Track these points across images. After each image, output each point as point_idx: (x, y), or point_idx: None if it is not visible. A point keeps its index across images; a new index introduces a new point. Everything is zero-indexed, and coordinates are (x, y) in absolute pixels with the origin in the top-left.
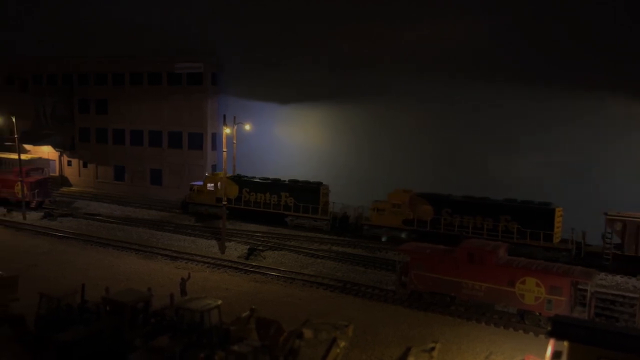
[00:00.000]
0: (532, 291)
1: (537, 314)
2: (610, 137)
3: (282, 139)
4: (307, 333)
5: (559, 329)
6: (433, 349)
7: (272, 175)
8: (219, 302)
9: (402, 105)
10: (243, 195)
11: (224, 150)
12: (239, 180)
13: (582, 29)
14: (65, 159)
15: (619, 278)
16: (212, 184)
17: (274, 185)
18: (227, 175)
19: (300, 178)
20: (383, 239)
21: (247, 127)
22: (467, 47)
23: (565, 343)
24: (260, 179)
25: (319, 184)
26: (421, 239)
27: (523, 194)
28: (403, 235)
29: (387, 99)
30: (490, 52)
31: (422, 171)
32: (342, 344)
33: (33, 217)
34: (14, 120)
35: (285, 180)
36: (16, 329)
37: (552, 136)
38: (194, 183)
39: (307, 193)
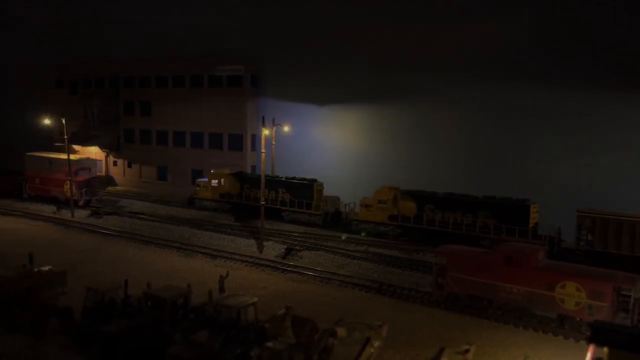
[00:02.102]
0: (572, 296)
1: (578, 319)
2: None
3: (320, 140)
4: (341, 332)
5: (598, 334)
6: (467, 351)
7: (310, 175)
8: (255, 299)
9: (439, 107)
10: (244, 191)
11: (263, 151)
12: (241, 176)
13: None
14: (111, 159)
15: None
16: (216, 180)
17: (272, 182)
18: (230, 172)
19: (337, 179)
20: (362, 235)
21: (286, 128)
22: (507, 48)
23: (605, 349)
24: (259, 175)
25: (314, 181)
26: (405, 234)
27: (561, 196)
28: (386, 230)
29: (425, 100)
30: (529, 53)
31: (459, 172)
32: (376, 343)
33: (80, 215)
34: (63, 121)
35: (282, 177)
36: (64, 321)
37: (593, 137)
38: (200, 179)
39: (302, 189)
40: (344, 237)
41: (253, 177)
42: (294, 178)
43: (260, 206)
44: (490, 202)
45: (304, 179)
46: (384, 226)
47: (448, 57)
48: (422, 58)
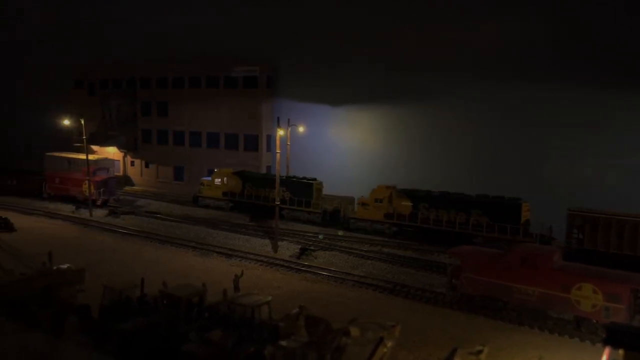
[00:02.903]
0: (588, 298)
1: (594, 321)
2: None
3: (335, 140)
4: (354, 331)
5: (614, 336)
6: (480, 351)
7: (324, 176)
8: (269, 298)
9: (453, 107)
10: (246, 189)
11: (278, 151)
12: (243, 175)
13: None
14: (128, 159)
15: None
16: (219, 179)
17: (273, 181)
18: (233, 171)
19: (352, 180)
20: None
21: (301, 129)
22: (521, 48)
23: (621, 351)
24: (261, 174)
25: (313, 179)
26: (400, 232)
27: (581, 197)
28: (382, 228)
29: (439, 100)
30: (542, 53)
31: (474, 173)
32: (389, 343)
33: (98, 214)
34: (82, 122)
35: (282, 176)
36: (82, 318)
37: (613, 138)
38: (204, 178)
39: (302, 188)
40: (340, 233)
41: (255, 176)
42: (294, 177)
43: (275, 206)
44: (483, 201)
45: (304, 178)
46: (380, 224)
47: (463, 58)
48: (437, 58)
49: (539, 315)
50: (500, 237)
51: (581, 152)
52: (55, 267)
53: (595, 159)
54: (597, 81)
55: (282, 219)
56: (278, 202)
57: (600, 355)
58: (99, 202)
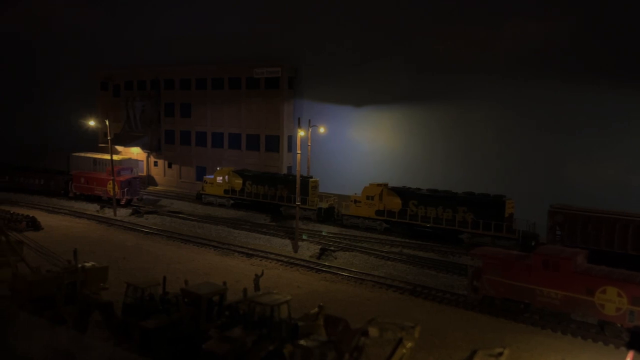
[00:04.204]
0: (613, 301)
1: (618, 325)
2: None
3: (356, 141)
4: (373, 331)
5: (637, 340)
6: (501, 354)
7: (343, 177)
8: (289, 297)
9: (476, 108)
10: (246, 187)
11: (298, 152)
12: (243, 174)
13: None
14: (152, 159)
15: None
16: (221, 177)
17: (271, 179)
18: (233, 169)
19: (373, 181)
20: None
21: (322, 129)
22: (545, 50)
23: None
24: (261, 173)
25: (309, 177)
26: (390, 229)
27: (602, 198)
28: (374, 225)
29: (461, 101)
30: (568, 55)
31: (497, 174)
32: (409, 344)
33: (122, 213)
34: (107, 123)
35: (280, 174)
36: (105, 314)
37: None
38: (206, 176)
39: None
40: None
41: (254, 174)
42: (291, 175)
43: (296, 206)
44: (469, 198)
45: (300, 176)
46: (371, 221)
47: (485, 58)
48: (459, 59)
49: (562, 318)
50: (484, 234)
51: (606, 154)
52: (80, 265)
53: (619, 161)
54: (624, 83)
55: (280, 215)
56: (299, 202)
57: (624, 359)
58: (122, 202)
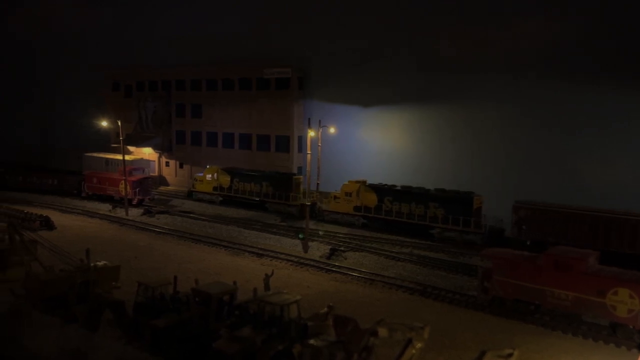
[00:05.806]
0: (625, 303)
1: (631, 327)
2: None
3: (366, 141)
4: (382, 331)
5: None
6: (510, 355)
7: (355, 176)
8: (299, 297)
9: (485, 108)
10: (234, 184)
11: (308, 152)
12: (231, 171)
13: None
14: (163, 159)
15: None
16: (210, 175)
17: (257, 176)
18: (222, 167)
19: (385, 181)
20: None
21: (332, 130)
22: (554, 51)
23: None
24: (247, 170)
25: (292, 174)
26: (367, 224)
27: (612, 197)
28: (352, 220)
29: (471, 101)
30: (577, 56)
31: (507, 175)
32: (418, 345)
33: (134, 213)
34: (119, 123)
35: (265, 171)
36: (117, 313)
37: None
38: (197, 174)
39: (282, 183)
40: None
41: (242, 172)
42: (276, 172)
43: (305, 206)
44: (440, 195)
45: (284, 173)
46: (350, 216)
47: (495, 58)
48: (469, 59)
49: (573, 319)
50: (453, 228)
51: (616, 153)
52: (92, 264)
53: (631, 160)
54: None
55: (266, 211)
56: (308, 202)
57: None
58: (134, 202)
